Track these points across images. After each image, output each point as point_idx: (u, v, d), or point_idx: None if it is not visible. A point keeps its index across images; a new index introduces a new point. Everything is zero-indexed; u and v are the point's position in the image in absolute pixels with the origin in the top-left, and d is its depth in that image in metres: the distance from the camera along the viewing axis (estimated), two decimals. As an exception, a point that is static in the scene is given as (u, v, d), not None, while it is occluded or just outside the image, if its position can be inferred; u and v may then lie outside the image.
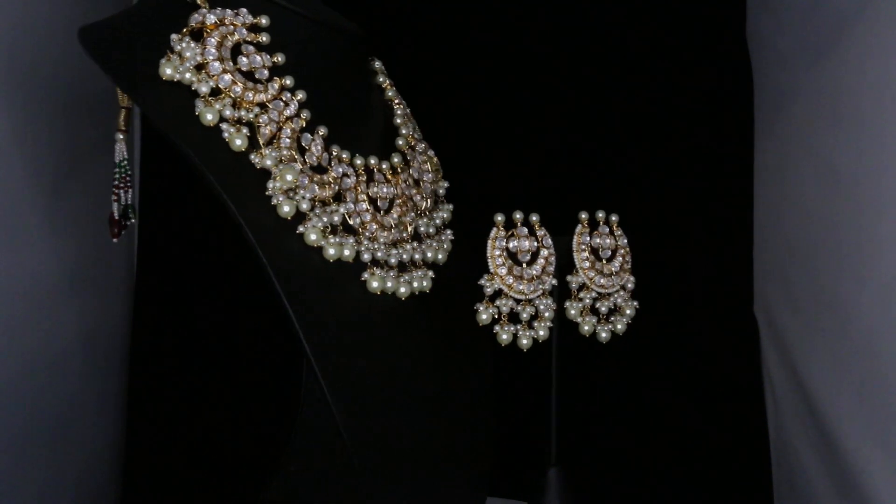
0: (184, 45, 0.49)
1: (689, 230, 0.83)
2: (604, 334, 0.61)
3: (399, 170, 0.56)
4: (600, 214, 0.62)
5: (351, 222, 0.51)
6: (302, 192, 0.49)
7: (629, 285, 0.62)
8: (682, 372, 0.83)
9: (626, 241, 0.62)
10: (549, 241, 0.58)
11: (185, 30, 0.50)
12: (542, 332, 0.57)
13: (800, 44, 0.72)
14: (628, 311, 0.62)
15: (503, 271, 0.57)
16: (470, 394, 0.60)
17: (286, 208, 0.48)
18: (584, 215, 0.61)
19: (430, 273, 0.56)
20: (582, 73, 0.84)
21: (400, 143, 0.58)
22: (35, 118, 0.63)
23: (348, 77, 0.57)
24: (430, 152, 0.62)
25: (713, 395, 0.83)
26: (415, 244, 0.55)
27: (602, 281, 0.60)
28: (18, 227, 0.61)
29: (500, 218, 0.57)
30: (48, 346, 0.66)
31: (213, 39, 0.50)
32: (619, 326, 0.61)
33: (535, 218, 0.58)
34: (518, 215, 0.57)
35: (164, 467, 0.82)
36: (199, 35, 0.50)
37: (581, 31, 0.84)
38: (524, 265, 0.57)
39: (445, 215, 0.61)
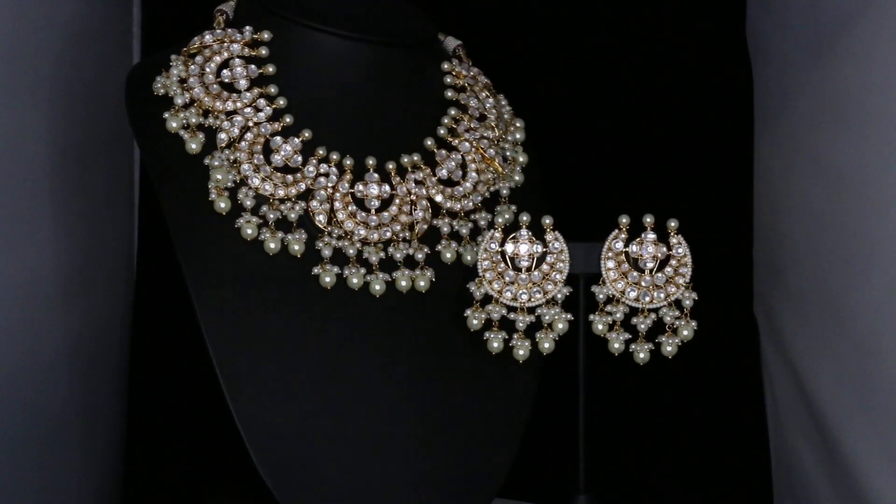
0: (174, 63, 0.54)
1: (689, 230, 0.83)
2: (642, 354, 0.53)
3: (410, 169, 0.55)
4: (648, 219, 0.54)
5: (316, 220, 0.53)
6: (245, 189, 0.52)
7: (687, 302, 0.54)
8: (681, 372, 0.83)
9: (684, 250, 0.55)
10: (560, 245, 0.54)
11: (183, 49, 0.55)
12: (546, 345, 0.54)
13: (800, 44, 0.72)
14: (685, 332, 0.54)
15: (489, 276, 0.55)
16: (470, 398, 0.58)
17: (222, 204, 0.51)
18: (624, 219, 0.54)
19: (429, 273, 0.55)
20: (578, 73, 0.84)
21: (428, 143, 0.57)
22: (36, 116, 0.63)
23: (380, 85, 0.58)
24: (492, 151, 0.59)
25: (713, 394, 0.83)
26: (417, 244, 0.55)
27: (634, 294, 0.54)
28: (18, 227, 0.61)
29: (500, 220, 0.56)
30: (48, 346, 0.66)
31: (199, 57, 0.54)
32: (668, 349, 0.54)
33: (548, 221, 0.55)
34: (525, 217, 0.55)
35: (165, 469, 0.82)
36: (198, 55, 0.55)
37: (579, 31, 0.83)
38: (522, 271, 0.54)
39: (507, 216, 0.59)
